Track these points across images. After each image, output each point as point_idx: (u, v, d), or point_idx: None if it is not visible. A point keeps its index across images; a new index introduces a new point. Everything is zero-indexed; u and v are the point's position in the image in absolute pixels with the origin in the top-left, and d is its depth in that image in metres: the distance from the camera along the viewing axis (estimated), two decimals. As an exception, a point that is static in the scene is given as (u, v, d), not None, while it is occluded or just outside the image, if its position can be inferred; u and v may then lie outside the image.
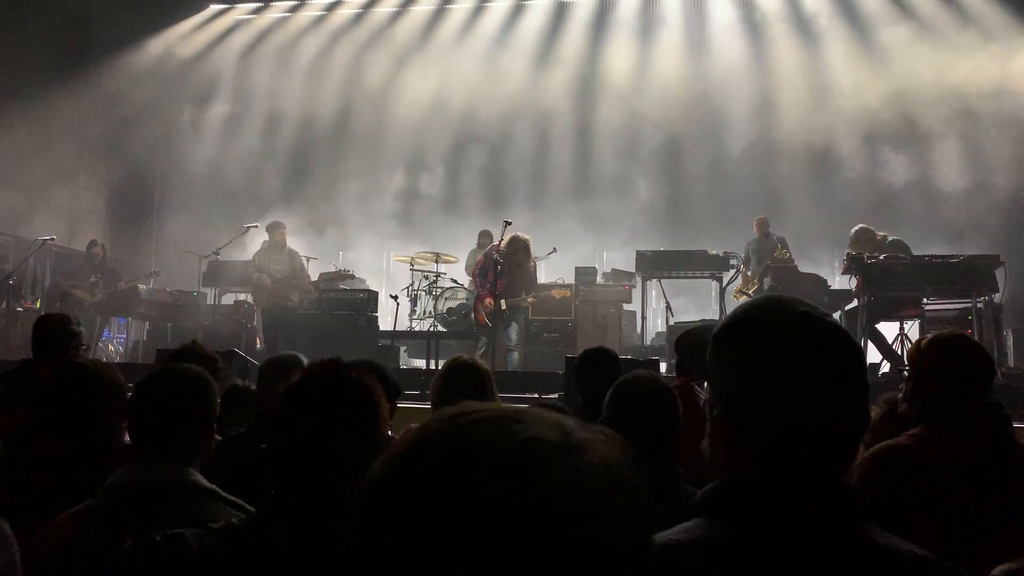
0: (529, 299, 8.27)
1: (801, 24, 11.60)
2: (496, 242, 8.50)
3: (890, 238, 7.72)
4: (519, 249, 8.21)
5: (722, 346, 1.06)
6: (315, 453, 1.45)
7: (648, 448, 2.07)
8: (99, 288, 9.30)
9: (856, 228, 7.96)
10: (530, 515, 0.59)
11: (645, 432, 2.09)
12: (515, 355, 8.44)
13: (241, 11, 13.58)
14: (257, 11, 13.58)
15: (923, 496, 2.01)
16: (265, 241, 9.33)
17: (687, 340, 3.58)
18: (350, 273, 9.34)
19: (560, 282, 9.55)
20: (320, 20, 13.36)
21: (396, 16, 13.05)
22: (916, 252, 7.63)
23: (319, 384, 1.50)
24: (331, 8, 13.37)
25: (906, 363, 2.31)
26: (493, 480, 0.60)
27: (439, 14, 12.95)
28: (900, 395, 2.38)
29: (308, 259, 9.77)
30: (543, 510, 0.59)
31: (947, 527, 1.92)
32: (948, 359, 2.20)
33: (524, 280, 8.31)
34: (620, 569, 0.61)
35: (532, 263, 8.54)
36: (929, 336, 2.34)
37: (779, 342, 1.02)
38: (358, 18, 13.21)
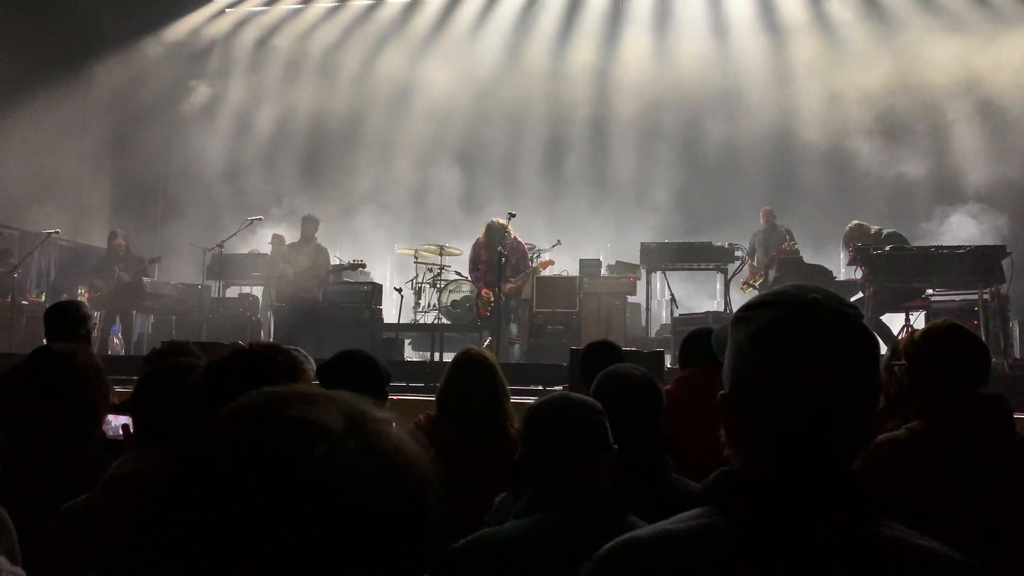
0: (507, 286, 8.15)
1: (812, 15, 11.52)
2: (479, 237, 8.55)
3: (885, 231, 7.61)
4: (496, 234, 8.22)
5: (732, 328, 1.05)
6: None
7: (636, 439, 2.07)
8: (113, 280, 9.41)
9: (850, 225, 7.88)
10: (281, 498, 0.57)
11: (631, 423, 2.09)
12: (517, 347, 8.44)
13: (248, 3, 13.56)
14: (265, 3, 13.55)
15: (921, 491, 1.98)
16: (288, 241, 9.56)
17: (694, 332, 3.56)
18: (361, 263, 9.37)
19: (564, 274, 9.52)
20: (331, 13, 13.34)
21: (408, 9, 13.04)
22: (929, 243, 7.57)
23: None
24: (341, 1, 13.35)
25: (902, 356, 2.27)
26: (246, 465, 0.58)
27: (452, 5, 12.92)
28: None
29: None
30: (294, 495, 0.57)
31: (945, 521, 1.89)
32: (942, 350, 2.17)
33: (511, 265, 8.30)
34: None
35: (521, 246, 8.54)
36: (923, 328, 2.31)
37: (774, 324, 0.99)
38: (370, 10, 13.20)
